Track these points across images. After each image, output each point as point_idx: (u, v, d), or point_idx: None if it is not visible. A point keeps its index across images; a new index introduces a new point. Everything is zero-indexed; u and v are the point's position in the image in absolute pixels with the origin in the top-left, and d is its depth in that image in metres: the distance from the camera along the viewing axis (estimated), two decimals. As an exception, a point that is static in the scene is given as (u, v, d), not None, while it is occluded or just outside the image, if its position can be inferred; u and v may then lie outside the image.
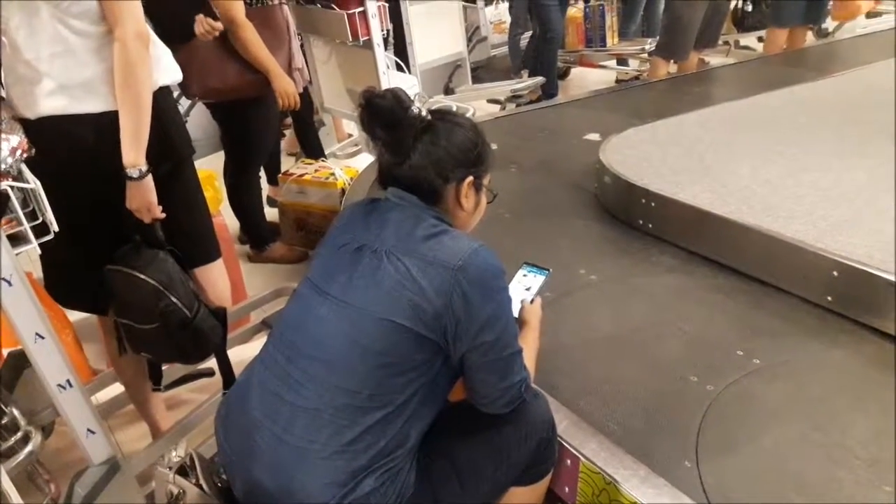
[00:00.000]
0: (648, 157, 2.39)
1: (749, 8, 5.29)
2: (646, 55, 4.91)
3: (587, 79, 5.68)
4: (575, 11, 5.31)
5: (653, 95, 3.85)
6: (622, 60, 5.60)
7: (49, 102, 1.45)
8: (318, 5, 3.21)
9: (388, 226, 1.20)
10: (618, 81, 5.30)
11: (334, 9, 3.12)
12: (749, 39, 5.75)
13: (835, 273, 1.69)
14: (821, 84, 3.29)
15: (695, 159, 2.35)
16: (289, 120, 3.90)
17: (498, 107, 4.53)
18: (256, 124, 2.82)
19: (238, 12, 2.52)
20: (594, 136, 3.08)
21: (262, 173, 3.37)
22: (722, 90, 3.87)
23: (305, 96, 3.27)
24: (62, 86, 1.44)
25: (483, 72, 5.70)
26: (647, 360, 1.61)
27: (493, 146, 1.38)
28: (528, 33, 5.10)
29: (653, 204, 2.15)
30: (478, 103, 4.21)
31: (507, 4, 5.65)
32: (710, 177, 2.18)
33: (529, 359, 1.30)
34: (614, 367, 1.59)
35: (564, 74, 5.72)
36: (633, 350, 1.65)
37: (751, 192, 2.06)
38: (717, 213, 1.96)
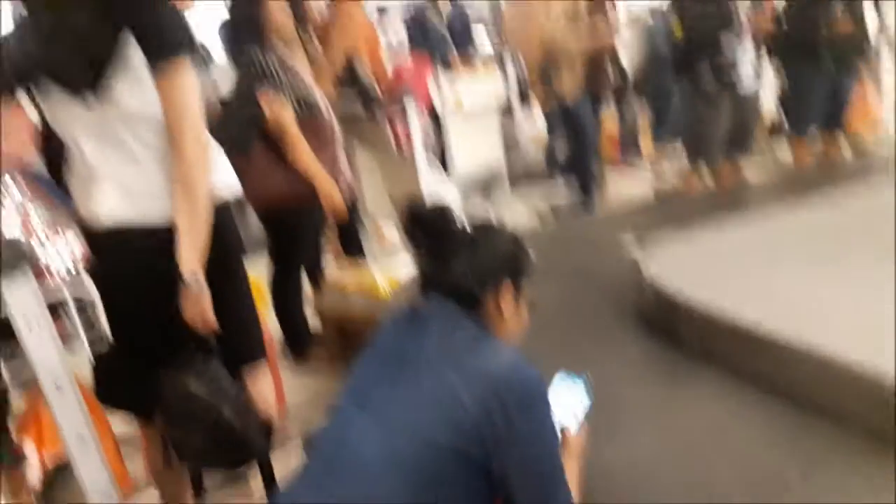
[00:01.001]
0: (690, 268, 2.35)
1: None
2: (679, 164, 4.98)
3: (624, 186, 5.75)
4: (610, 123, 5.45)
5: (693, 205, 3.85)
6: (659, 168, 5.68)
7: (112, 209, 1.48)
8: (364, 116, 3.37)
9: (428, 334, 1.21)
10: (655, 191, 5.35)
11: (378, 120, 3.27)
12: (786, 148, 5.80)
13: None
14: (868, 194, 3.21)
15: (739, 272, 2.29)
16: (332, 225, 3.99)
17: (536, 215, 4.59)
18: (302, 229, 2.89)
19: (288, 122, 2.65)
20: (633, 247, 3.08)
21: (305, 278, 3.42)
22: (762, 200, 3.86)
23: (349, 202, 3.36)
24: (125, 193, 1.48)
25: (521, 180, 5.82)
26: (692, 484, 1.53)
27: (532, 255, 1.40)
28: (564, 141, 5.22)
29: (695, 319, 2.09)
30: (515, 211, 4.29)
31: (543, 116, 5.84)
32: (755, 291, 2.12)
33: (573, 486, 1.26)
34: (658, 490, 1.52)
35: (600, 182, 5.80)
36: (677, 474, 1.58)
37: (800, 308, 1.98)
38: (765, 331, 1.88)
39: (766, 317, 1.95)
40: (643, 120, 5.25)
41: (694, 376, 1.99)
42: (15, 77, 1.43)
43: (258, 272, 3.05)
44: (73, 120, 1.47)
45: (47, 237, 1.39)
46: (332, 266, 3.77)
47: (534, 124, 6.04)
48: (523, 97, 5.91)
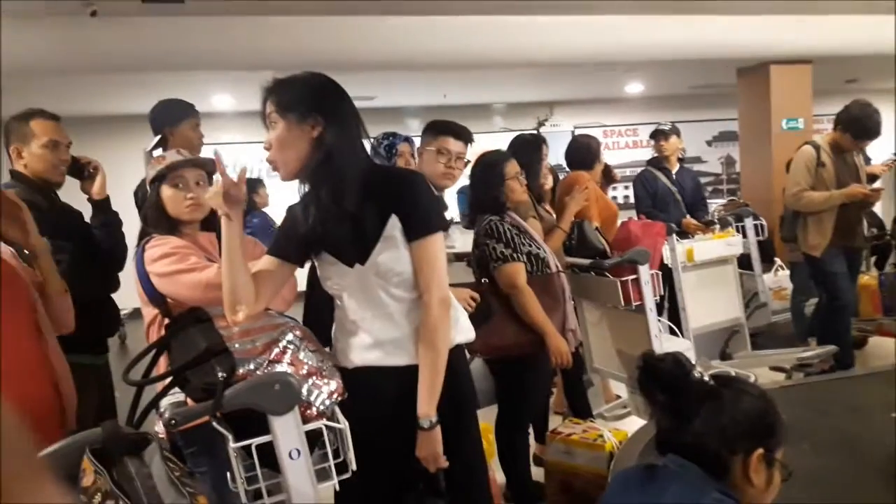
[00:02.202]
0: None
1: None
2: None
3: (889, 349, 5.07)
4: (868, 279, 4.95)
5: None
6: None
7: (364, 354, 1.70)
8: (592, 273, 3.43)
9: (667, 496, 1.14)
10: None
11: (608, 276, 3.30)
12: None
13: None
14: None
15: None
16: (558, 379, 3.99)
17: (783, 375, 4.19)
18: (530, 381, 2.94)
19: (521, 279, 2.79)
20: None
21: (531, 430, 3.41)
22: None
23: (576, 356, 3.36)
24: (377, 341, 1.69)
25: (763, 338, 5.39)
26: None
27: (782, 417, 1.28)
28: (814, 300, 4.82)
29: None
30: (759, 370, 3.95)
31: (787, 272, 5.47)
32: None
33: None
34: None
35: (861, 344, 5.18)
36: None
37: None
38: None
39: None
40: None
41: None
42: (296, 244, 1.73)
43: (487, 421, 3.11)
44: (341, 280, 1.74)
45: (313, 377, 1.57)
46: (558, 421, 3.72)
47: (777, 280, 5.66)
48: (764, 251, 5.61)
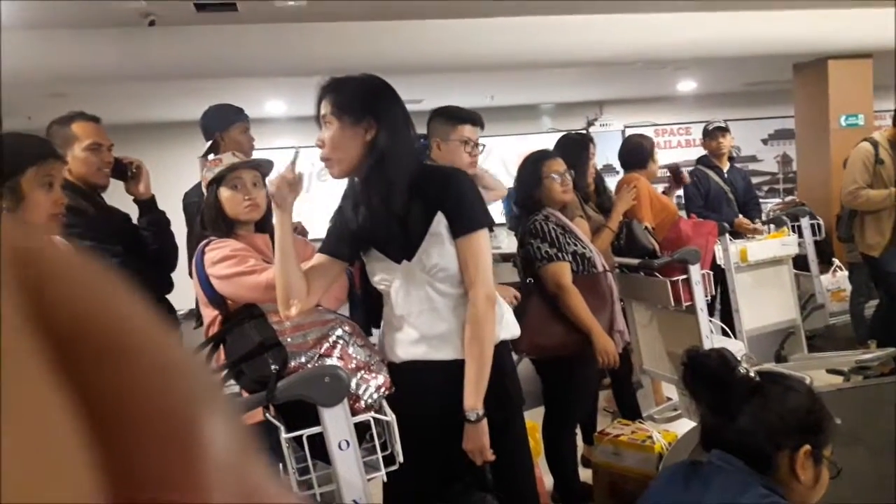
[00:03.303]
0: None
1: None
2: None
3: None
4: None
5: None
6: None
7: (411, 349, 1.74)
8: (642, 273, 3.40)
9: (710, 490, 1.14)
10: None
11: (658, 276, 3.27)
12: None
13: None
14: None
15: None
16: (607, 380, 3.96)
17: (840, 378, 4.07)
18: (577, 381, 2.94)
19: (566, 278, 2.79)
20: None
21: (579, 431, 3.40)
22: None
23: (625, 357, 3.34)
24: (423, 336, 1.73)
25: (820, 340, 5.23)
26: None
27: (837, 420, 1.26)
28: (874, 301, 4.67)
29: None
30: (815, 373, 3.84)
31: (846, 273, 5.31)
32: None
33: None
34: None
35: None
36: None
37: None
38: None
39: None
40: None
41: None
42: (346, 242, 1.79)
43: (534, 420, 3.11)
44: (388, 277, 1.78)
45: (361, 371, 1.61)
46: (607, 422, 3.70)
47: (835, 280, 5.49)
48: (822, 252, 5.45)
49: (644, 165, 4.03)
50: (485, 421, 1.64)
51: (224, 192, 2.09)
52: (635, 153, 4.08)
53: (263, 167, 2.17)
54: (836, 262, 5.48)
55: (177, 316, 2.97)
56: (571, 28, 5.62)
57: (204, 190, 2.15)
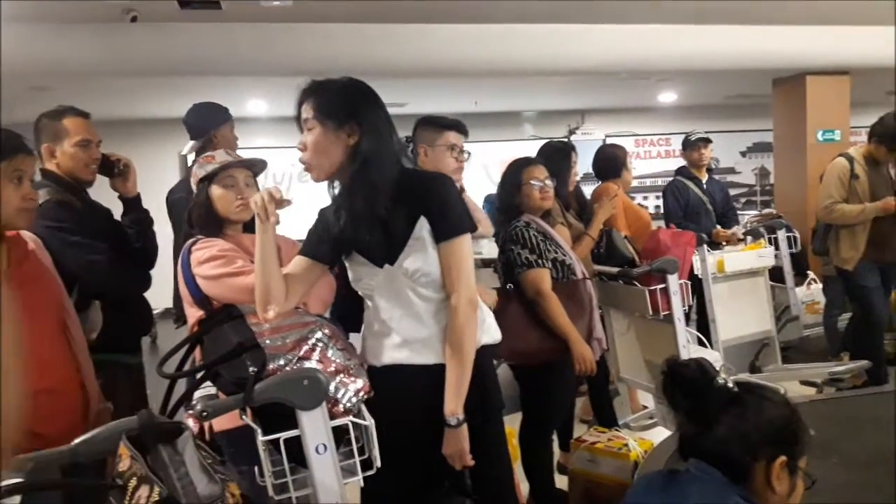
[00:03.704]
0: None
1: None
2: None
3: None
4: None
5: None
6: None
7: (393, 353, 1.73)
8: (621, 281, 3.42)
9: (687, 499, 1.15)
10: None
11: (636, 285, 3.29)
12: None
13: None
14: None
15: None
16: (584, 387, 3.98)
17: (814, 389, 4.13)
18: (554, 387, 2.94)
19: (545, 284, 2.80)
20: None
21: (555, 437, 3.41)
22: None
23: (602, 364, 3.35)
24: (405, 340, 1.72)
25: (794, 352, 5.30)
26: None
27: (812, 432, 1.27)
28: (847, 314, 4.74)
29: None
30: (789, 384, 3.90)
31: (820, 285, 5.39)
32: None
33: None
34: None
35: (895, 359, 5.07)
36: None
37: None
38: None
39: None
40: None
41: None
42: (327, 245, 1.78)
43: (511, 426, 3.11)
44: (371, 281, 1.78)
45: (340, 375, 1.60)
46: (583, 429, 3.71)
47: (810, 293, 5.57)
48: (798, 265, 5.52)
49: (618, 174, 4.07)
50: (465, 426, 1.64)
51: (216, 191, 2.03)
52: (609, 163, 4.12)
53: (256, 167, 2.13)
54: (811, 274, 5.56)
55: (153, 314, 2.94)
56: (556, 37, 5.65)
57: (193, 187, 2.09)
